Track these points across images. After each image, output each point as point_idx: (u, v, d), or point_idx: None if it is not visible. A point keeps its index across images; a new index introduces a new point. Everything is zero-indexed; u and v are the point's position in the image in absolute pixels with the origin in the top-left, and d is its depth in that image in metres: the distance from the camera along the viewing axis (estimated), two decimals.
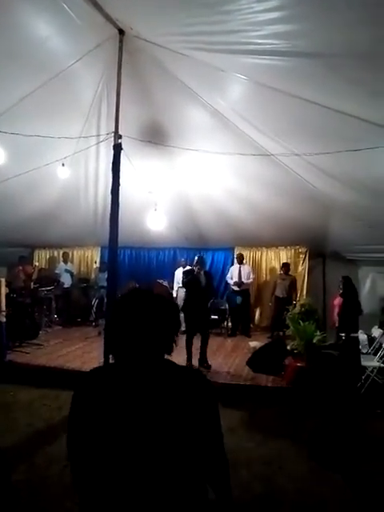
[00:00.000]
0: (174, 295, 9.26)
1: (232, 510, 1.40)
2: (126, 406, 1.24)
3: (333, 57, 3.57)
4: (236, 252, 10.00)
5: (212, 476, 1.39)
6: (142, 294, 1.41)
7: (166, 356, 1.36)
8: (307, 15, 3.25)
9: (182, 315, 8.35)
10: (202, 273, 6.59)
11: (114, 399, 1.25)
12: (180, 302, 9.02)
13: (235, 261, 9.69)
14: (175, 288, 9.27)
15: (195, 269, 6.55)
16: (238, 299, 9.19)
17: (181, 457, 1.24)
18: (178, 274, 9.24)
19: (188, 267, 8.21)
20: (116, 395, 1.26)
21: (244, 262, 9.56)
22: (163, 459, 1.22)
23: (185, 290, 6.94)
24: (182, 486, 1.25)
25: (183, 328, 8.92)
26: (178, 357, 6.83)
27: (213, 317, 8.41)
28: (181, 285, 9.01)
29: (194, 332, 6.60)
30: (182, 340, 7.29)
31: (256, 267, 9.96)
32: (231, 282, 9.32)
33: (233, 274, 9.27)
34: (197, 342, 6.61)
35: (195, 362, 6.53)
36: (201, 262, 6.66)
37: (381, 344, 6.06)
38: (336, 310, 6.99)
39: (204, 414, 1.30)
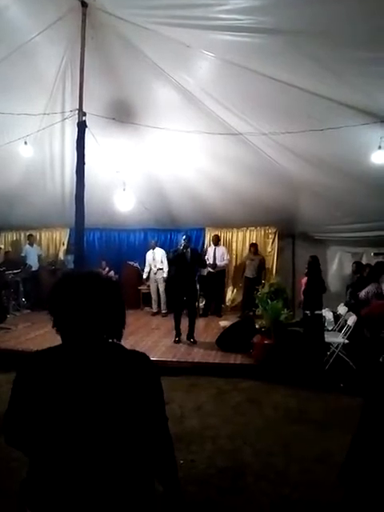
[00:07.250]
0: (145, 276, 9.21)
1: (178, 497, 1.38)
2: (66, 388, 1.22)
3: (294, 33, 3.56)
4: (207, 233, 9.99)
5: (158, 461, 1.37)
6: (80, 277, 1.37)
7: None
8: None
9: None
10: (189, 249, 6.84)
11: (55, 381, 1.23)
12: (152, 284, 9.13)
13: (211, 242, 9.66)
14: (146, 269, 9.19)
15: (182, 245, 6.80)
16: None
17: (124, 440, 1.24)
18: (150, 255, 9.17)
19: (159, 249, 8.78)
20: (57, 377, 1.23)
21: (219, 243, 9.56)
22: (105, 442, 1.21)
23: (172, 266, 7.38)
24: (127, 470, 1.24)
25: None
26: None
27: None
28: (153, 267, 9.04)
29: (181, 308, 6.91)
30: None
31: (227, 248, 9.98)
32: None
33: (208, 256, 9.28)
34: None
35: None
36: (187, 239, 6.96)
37: (345, 321, 6.23)
38: (302, 289, 7.12)
39: (147, 397, 1.30)
